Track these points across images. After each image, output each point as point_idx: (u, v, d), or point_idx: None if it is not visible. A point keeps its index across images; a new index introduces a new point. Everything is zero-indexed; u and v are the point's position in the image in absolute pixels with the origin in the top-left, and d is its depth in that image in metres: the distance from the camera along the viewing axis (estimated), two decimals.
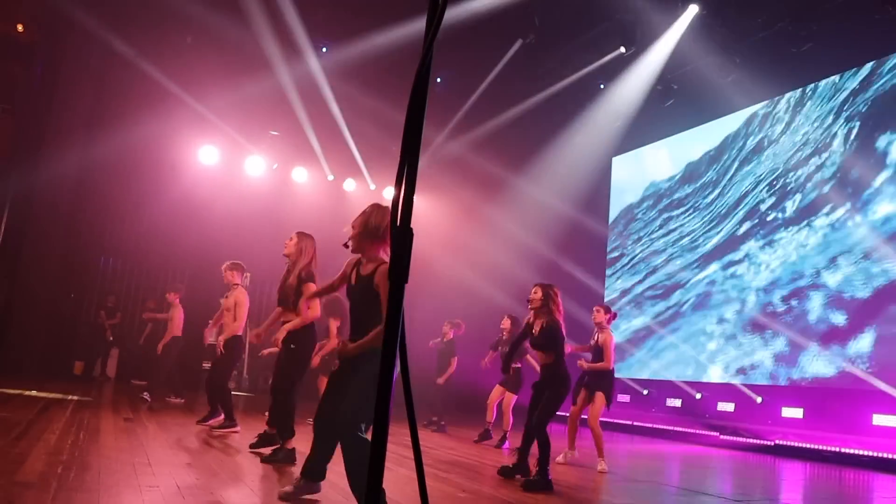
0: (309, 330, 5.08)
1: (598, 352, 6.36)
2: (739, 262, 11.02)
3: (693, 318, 11.67)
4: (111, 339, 12.39)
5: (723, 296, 11.17)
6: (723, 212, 11.52)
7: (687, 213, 12.26)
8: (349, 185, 14.42)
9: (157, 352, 8.98)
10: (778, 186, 10.65)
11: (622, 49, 11.42)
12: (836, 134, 9.87)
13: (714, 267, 11.47)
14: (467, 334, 9.34)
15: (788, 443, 8.73)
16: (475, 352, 9.23)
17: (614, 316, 6.63)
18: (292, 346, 5.00)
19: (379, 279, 3.26)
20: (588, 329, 6.86)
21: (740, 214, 11.21)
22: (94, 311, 12.51)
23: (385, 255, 3.34)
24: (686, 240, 12.15)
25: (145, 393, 8.91)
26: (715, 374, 10.97)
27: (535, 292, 5.17)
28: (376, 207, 3.44)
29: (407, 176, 1.22)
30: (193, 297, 10.30)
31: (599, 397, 6.22)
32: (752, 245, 10.88)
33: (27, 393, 8.06)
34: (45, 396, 7.88)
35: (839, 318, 9.28)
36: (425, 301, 12.33)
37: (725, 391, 10.66)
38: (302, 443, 5.48)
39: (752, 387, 10.28)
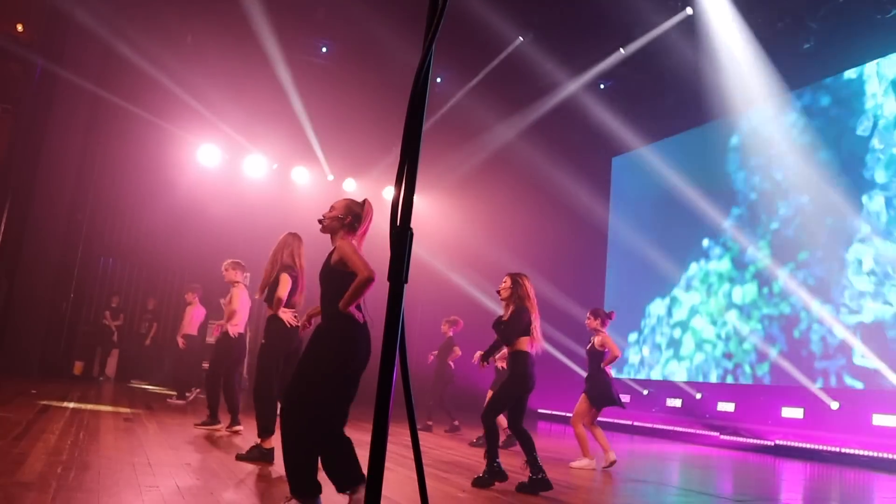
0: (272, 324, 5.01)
1: (595, 355, 6.33)
2: (735, 259, 11.02)
3: (693, 317, 11.66)
4: (115, 340, 12.39)
5: (721, 294, 11.17)
6: (720, 212, 11.51)
7: (687, 213, 12.23)
8: (349, 185, 14.41)
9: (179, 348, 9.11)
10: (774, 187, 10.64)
11: (621, 50, 11.42)
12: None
13: (713, 265, 11.47)
14: (466, 336, 9.31)
15: (788, 443, 8.73)
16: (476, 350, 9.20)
17: (609, 317, 6.53)
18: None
19: (337, 255, 3.25)
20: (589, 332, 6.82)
21: (737, 215, 11.21)
22: (95, 311, 12.50)
23: (345, 242, 3.32)
24: (685, 240, 12.14)
25: (174, 398, 9.05)
26: (715, 374, 10.96)
27: (504, 282, 5.08)
28: (365, 203, 3.45)
29: (407, 176, 1.22)
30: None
31: (581, 398, 6.25)
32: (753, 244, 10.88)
33: (27, 392, 8.06)
34: (44, 396, 7.87)
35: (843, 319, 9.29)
36: (424, 304, 12.30)
37: (725, 391, 10.65)
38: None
39: (751, 387, 10.27)
